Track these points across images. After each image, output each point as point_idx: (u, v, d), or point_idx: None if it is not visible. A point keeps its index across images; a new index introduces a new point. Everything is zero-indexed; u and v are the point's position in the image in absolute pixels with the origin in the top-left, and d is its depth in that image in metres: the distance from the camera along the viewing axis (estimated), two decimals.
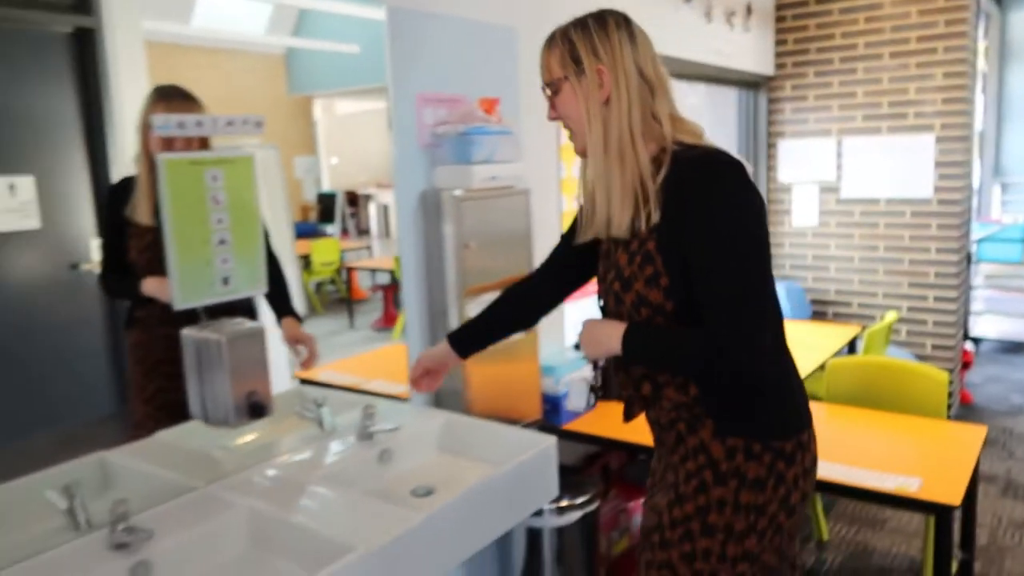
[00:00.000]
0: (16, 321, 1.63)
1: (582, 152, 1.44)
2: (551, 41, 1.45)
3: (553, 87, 1.44)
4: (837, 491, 2.18)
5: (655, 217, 1.36)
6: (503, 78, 2.56)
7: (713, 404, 1.40)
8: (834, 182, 4.54)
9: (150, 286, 1.79)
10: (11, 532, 1.49)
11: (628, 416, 1.57)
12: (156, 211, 1.65)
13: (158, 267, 1.68)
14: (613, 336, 1.42)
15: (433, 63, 2.29)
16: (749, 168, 1.38)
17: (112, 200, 1.76)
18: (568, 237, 1.67)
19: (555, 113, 1.47)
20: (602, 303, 1.53)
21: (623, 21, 1.41)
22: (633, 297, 1.40)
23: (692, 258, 1.32)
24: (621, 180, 1.38)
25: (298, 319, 2.05)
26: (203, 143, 1.72)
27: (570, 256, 1.67)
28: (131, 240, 1.78)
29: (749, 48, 4.31)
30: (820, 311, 4.68)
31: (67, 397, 1.76)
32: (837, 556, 2.98)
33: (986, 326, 5.89)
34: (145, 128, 1.68)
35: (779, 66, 4.61)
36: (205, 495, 1.69)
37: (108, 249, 1.75)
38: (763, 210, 1.38)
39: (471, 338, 1.82)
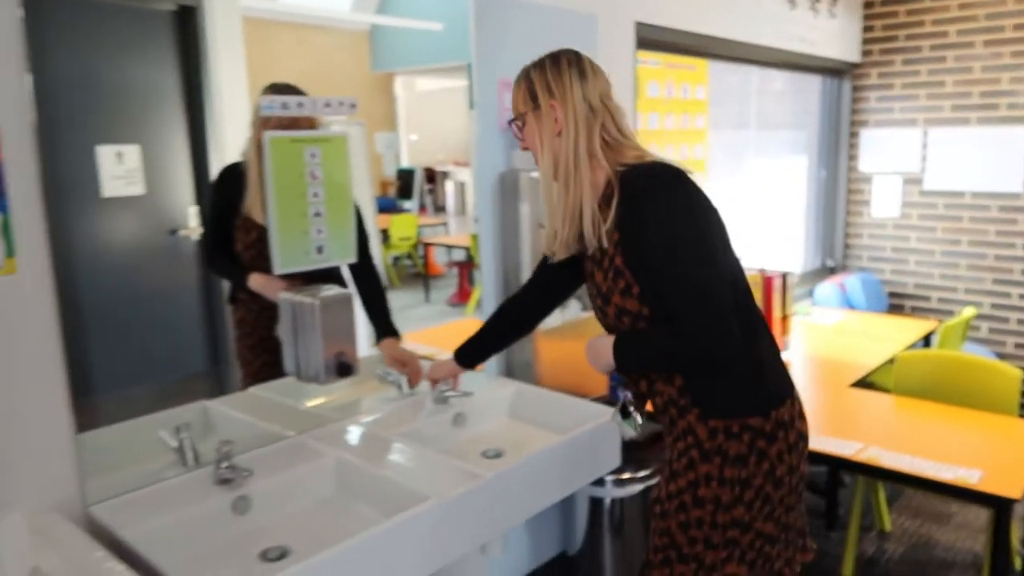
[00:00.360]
0: (119, 282, 1.78)
1: (547, 174, 1.59)
2: (517, 79, 1.62)
3: (519, 121, 1.61)
4: (897, 479, 2.20)
5: (615, 235, 1.50)
6: None
7: (695, 392, 1.53)
8: (918, 173, 4.44)
9: (257, 282, 1.91)
10: (127, 465, 1.67)
11: (624, 414, 1.70)
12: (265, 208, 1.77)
13: (262, 264, 1.81)
14: (606, 350, 1.57)
15: (515, 47, 2.38)
16: (691, 173, 1.49)
17: (217, 188, 1.86)
18: (545, 257, 1.82)
19: (523, 144, 1.63)
20: (599, 318, 1.67)
21: (574, 59, 1.56)
22: (613, 309, 1.55)
23: (651, 264, 1.46)
24: (565, 202, 1.54)
25: (398, 337, 2.16)
26: (309, 124, 1.84)
27: (551, 272, 1.83)
28: (238, 233, 1.90)
29: (834, 35, 4.24)
30: (897, 304, 4.60)
31: (163, 355, 1.91)
32: (899, 547, 2.98)
33: None
34: (258, 124, 1.80)
35: (865, 53, 4.52)
36: (297, 443, 1.85)
37: (212, 236, 1.86)
38: (709, 209, 1.49)
39: (474, 352, 1.99)
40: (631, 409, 1.68)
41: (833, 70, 4.46)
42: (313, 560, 1.35)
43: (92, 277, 1.71)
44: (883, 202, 4.59)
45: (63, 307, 1.48)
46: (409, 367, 2.14)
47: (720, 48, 3.41)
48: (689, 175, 1.48)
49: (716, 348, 1.43)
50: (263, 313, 1.92)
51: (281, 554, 1.53)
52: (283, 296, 1.82)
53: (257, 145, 1.79)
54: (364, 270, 2.08)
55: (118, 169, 1.68)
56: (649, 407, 1.69)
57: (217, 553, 1.52)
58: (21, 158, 1.39)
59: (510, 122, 1.63)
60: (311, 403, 2.04)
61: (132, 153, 1.69)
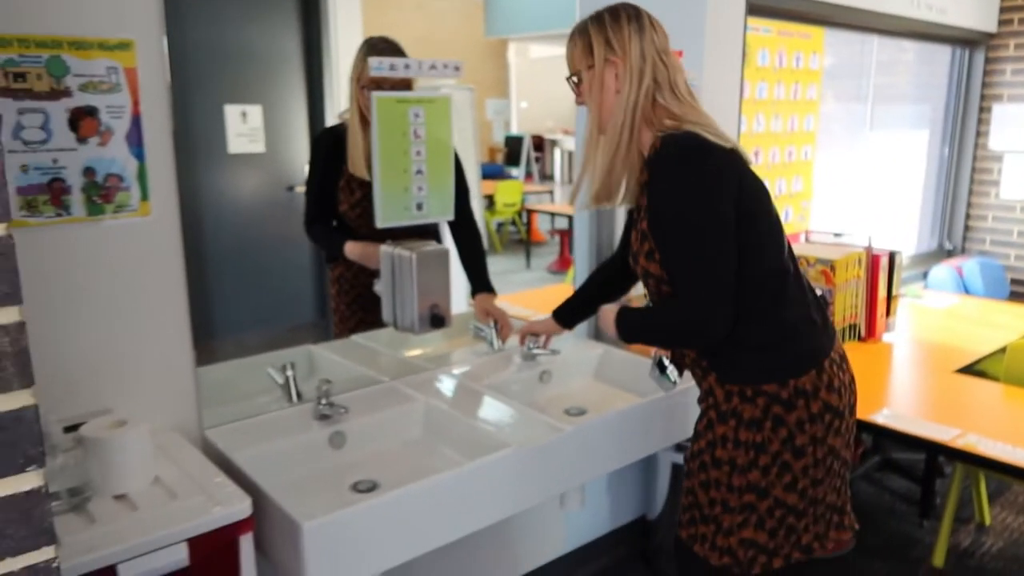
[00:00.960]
0: (241, 234, 1.92)
1: (603, 131, 1.56)
2: (572, 35, 1.58)
3: (576, 79, 1.58)
4: (996, 468, 2.12)
5: (643, 198, 1.52)
6: (689, 30, 2.59)
7: (710, 357, 1.56)
8: None
9: (353, 250, 1.99)
10: (239, 398, 1.83)
11: (660, 371, 1.76)
12: (369, 166, 1.83)
13: (367, 222, 1.88)
14: (611, 320, 1.63)
15: None
16: (720, 143, 1.45)
17: (317, 151, 1.93)
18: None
19: (580, 99, 1.60)
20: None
21: (634, 14, 1.53)
22: (641, 270, 1.57)
23: (661, 235, 1.48)
24: (607, 158, 1.54)
25: (493, 293, 2.22)
26: (406, 85, 1.91)
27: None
28: (342, 194, 1.97)
29: (968, 2, 3.98)
30: (1021, 292, 4.33)
31: (276, 304, 2.05)
32: (998, 541, 2.86)
33: None
34: (358, 80, 1.86)
35: (1003, 22, 4.21)
36: (390, 387, 1.97)
37: (315, 201, 1.93)
38: (725, 187, 1.44)
39: (572, 313, 2.03)
40: (667, 364, 1.72)
41: (965, 40, 4.19)
42: (398, 492, 1.46)
43: (216, 228, 1.85)
44: (1013, 182, 4.30)
45: (190, 254, 1.63)
46: (500, 321, 2.21)
47: (839, 16, 3.27)
48: (715, 149, 1.44)
49: (705, 326, 1.45)
50: (362, 271, 2.01)
51: (371, 487, 1.65)
52: (383, 249, 1.93)
53: (358, 104, 1.87)
54: (463, 225, 2.14)
55: (242, 127, 1.80)
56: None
57: (313, 481, 1.66)
58: (156, 113, 1.53)
59: (568, 78, 1.61)
60: (406, 352, 2.15)
61: (255, 113, 1.81)
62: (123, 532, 1.23)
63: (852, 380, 1.62)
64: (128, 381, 1.57)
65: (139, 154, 1.52)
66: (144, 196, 1.54)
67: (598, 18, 1.55)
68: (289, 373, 1.84)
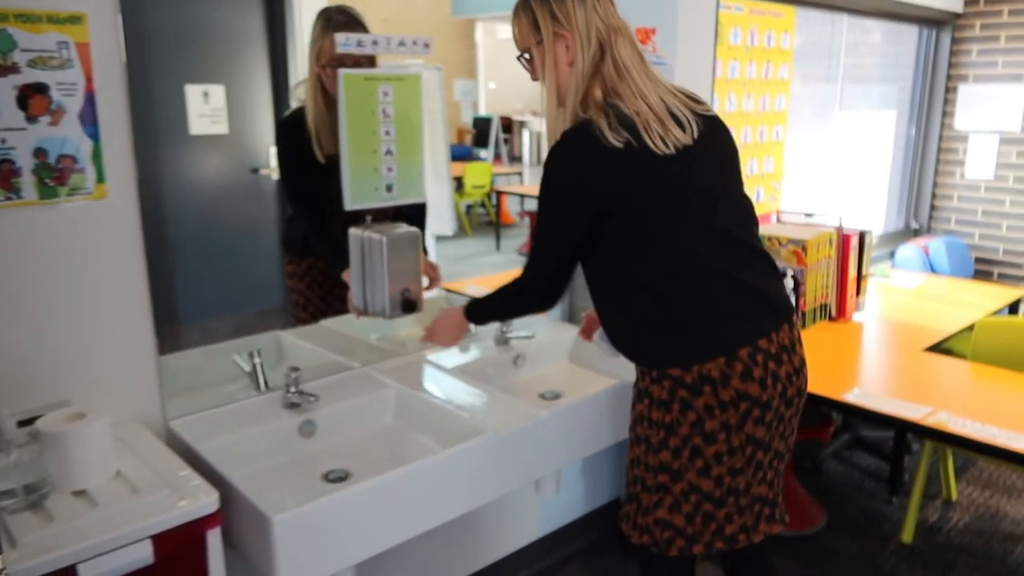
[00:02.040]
0: (203, 217, 1.86)
1: (561, 105, 1.55)
2: (515, 13, 1.57)
3: (528, 56, 1.58)
4: (965, 445, 2.15)
5: None
6: (661, 8, 2.56)
7: (614, 339, 1.61)
8: (1018, 133, 4.18)
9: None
10: (204, 387, 1.78)
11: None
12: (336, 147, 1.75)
13: (339, 207, 1.79)
14: (455, 318, 1.78)
15: None
16: (608, 140, 1.43)
17: (286, 139, 1.86)
18: None
19: (535, 76, 1.59)
20: None
21: None
22: None
23: None
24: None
25: (424, 251, 2.13)
26: (370, 62, 1.84)
27: None
28: (313, 180, 1.91)
29: None
30: (985, 271, 4.40)
31: (243, 289, 2.00)
32: (964, 517, 2.91)
33: None
34: (317, 57, 1.78)
35: (969, 2, 4.24)
36: (362, 374, 1.93)
37: (291, 185, 1.87)
38: (584, 186, 1.47)
39: None
40: None
41: (932, 20, 4.21)
42: (372, 482, 1.43)
43: (179, 211, 1.79)
44: (978, 163, 4.35)
45: (150, 238, 1.56)
46: (432, 274, 2.13)
47: None
48: (593, 148, 1.44)
49: (533, 295, 1.63)
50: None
51: (343, 477, 1.62)
52: (352, 231, 1.88)
53: (319, 82, 1.80)
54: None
55: (204, 108, 1.74)
56: None
57: (283, 471, 1.62)
58: (112, 91, 1.46)
59: (519, 57, 1.60)
60: (377, 337, 2.11)
61: (217, 93, 1.75)
62: (83, 530, 1.18)
63: (793, 372, 1.56)
64: (86, 372, 1.51)
65: (94, 134, 1.45)
66: (100, 178, 1.47)
67: None
68: (256, 360, 1.79)
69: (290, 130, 1.89)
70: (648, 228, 1.48)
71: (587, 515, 2.69)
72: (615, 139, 1.43)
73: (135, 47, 1.49)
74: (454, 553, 2.26)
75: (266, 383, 1.80)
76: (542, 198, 1.54)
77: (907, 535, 2.74)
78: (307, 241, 1.99)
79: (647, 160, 1.44)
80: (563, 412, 1.78)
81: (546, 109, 1.59)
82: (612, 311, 1.59)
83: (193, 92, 1.74)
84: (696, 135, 1.50)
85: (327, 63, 1.77)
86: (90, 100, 1.43)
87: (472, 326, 1.82)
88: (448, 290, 2.32)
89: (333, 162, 1.82)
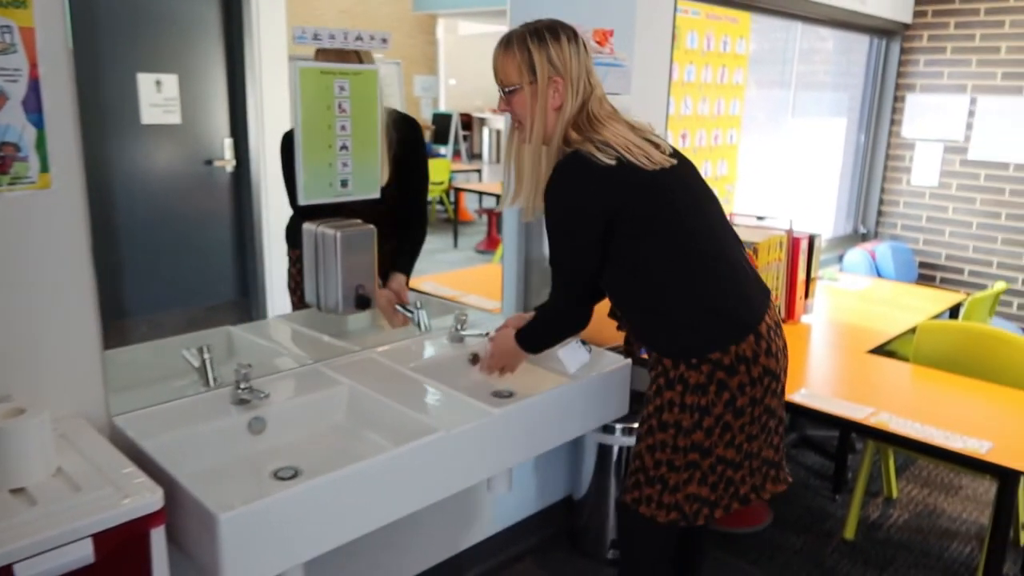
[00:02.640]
0: (154, 209, 1.82)
1: (526, 141, 1.68)
2: (508, 46, 1.64)
3: (510, 90, 1.66)
4: (905, 445, 2.21)
5: None
6: (620, 10, 2.58)
7: (647, 339, 1.72)
8: (961, 142, 4.32)
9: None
10: (152, 382, 1.74)
11: (626, 352, 2.01)
12: None
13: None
14: (511, 345, 1.86)
15: None
16: (601, 161, 1.57)
17: (284, 149, 1.88)
18: None
19: (507, 109, 1.69)
20: None
21: (573, 35, 1.64)
22: None
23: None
24: (546, 174, 1.65)
25: (407, 278, 2.17)
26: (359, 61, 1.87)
27: None
28: None
29: None
30: (928, 275, 4.54)
31: (195, 282, 1.96)
32: (903, 514, 3.00)
33: None
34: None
35: (918, 14, 4.37)
36: (314, 370, 1.91)
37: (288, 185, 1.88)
38: (591, 203, 1.60)
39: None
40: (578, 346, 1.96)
41: (882, 30, 4.33)
42: (321, 480, 1.41)
43: (129, 202, 1.75)
44: (923, 170, 4.49)
45: (99, 228, 1.53)
46: (402, 308, 2.15)
47: (765, 0, 3.32)
48: (591, 169, 1.57)
49: (569, 316, 1.75)
50: None
51: (293, 474, 1.60)
52: (306, 226, 1.86)
53: None
54: (413, 225, 2.17)
55: (157, 97, 1.70)
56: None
57: (231, 468, 1.59)
58: (58, 78, 1.42)
59: (502, 89, 1.67)
60: (330, 333, 2.09)
61: (171, 82, 1.71)
62: (20, 529, 1.15)
63: (785, 345, 1.76)
64: (27, 365, 1.47)
65: (38, 121, 1.41)
66: (44, 167, 1.43)
67: (538, 34, 1.62)
68: (206, 356, 1.76)
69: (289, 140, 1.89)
70: (659, 232, 1.62)
71: (539, 512, 2.71)
72: (606, 159, 1.57)
73: (84, 33, 1.46)
74: (405, 550, 2.25)
75: (215, 379, 1.77)
76: (552, 227, 1.66)
77: (849, 532, 2.81)
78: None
79: (639, 174, 1.59)
80: (516, 411, 1.79)
81: (516, 143, 1.70)
82: (641, 315, 1.71)
83: (145, 81, 1.70)
84: (672, 157, 1.66)
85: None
86: (34, 87, 1.39)
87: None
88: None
89: None
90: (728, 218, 1.78)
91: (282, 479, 1.58)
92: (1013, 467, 1.99)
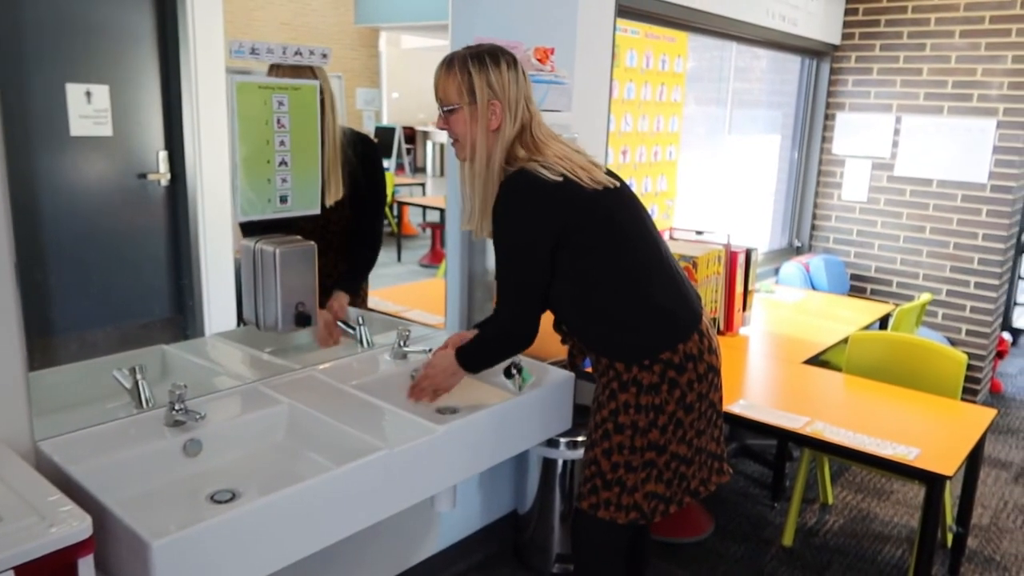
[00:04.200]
0: (85, 224, 1.75)
1: (464, 159, 1.74)
2: (449, 67, 1.70)
3: (449, 109, 1.71)
4: (839, 453, 2.28)
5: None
6: (561, 29, 2.62)
7: (598, 346, 1.77)
8: (888, 159, 4.50)
9: None
10: (80, 404, 1.68)
11: (570, 365, 2.01)
12: None
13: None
14: (449, 362, 1.84)
15: (494, 8, 2.37)
16: (547, 177, 1.64)
17: None
18: None
19: (445, 127, 1.74)
20: None
21: (512, 61, 1.71)
22: None
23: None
24: (491, 192, 1.71)
25: (352, 298, 2.17)
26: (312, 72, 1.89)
27: None
28: None
29: (817, 15, 4.25)
30: (859, 287, 4.69)
31: (127, 299, 1.90)
32: (839, 519, 3.09)
33: None
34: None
35: (846, 36, 4.54)
36: (252, 390, 1.87)
37: None
38: (540, 217, 1.66)
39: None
40: (514, 371, 1.97)
41: (813, 51, 4.48)
42: (260, 502, 1.38)
43: (56, 216, 1.69)
44: (853, 186, 4.65)
45: (22, 244, 1.47)
46: (337, 326, 2.15)
47: (701, 21, 3.41)
48: (539, 185, 1.63)
49: (514, 333, 1.75)
50: None
51: (230, 497, 1.56)
52: (245, 243, 1.83)
53: None
54: (366, 245, 2.20)
55: (87, 108, 1.65)
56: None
57: (165, 493, 1.54)
58: None
59: (442, 110, 1.73)
60: (269, 351, 2.05)
61: (101, 93, 1.66)
62: None
63: (718, 343, 1.86)
64: None
65: None
66: None
67: (479, 58, 1.67)
68: (138, 376, 1.71)
69: None
70: (604, 245, 1.69)
71: (484, 528, 2.70)
72: (553, 176, 1.64)
73: (10, 42, 1.41)
74: (350, 570, 2.22)
75: (149, 400, 1.71)
76: (500, 243, 1.70)
77: (787, 539, 2.88)
78: None
79: (583, 193, 1.67)
80: (460, 427, 1.78)
81: (464, 166, 1.74)
82: (592, 325, 1.76)
83: (74, 91, 1.64)
84: (614, 180, 1.75)
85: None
86: None
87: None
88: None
89: None
90: (660, 231, 1.86)
91: (219, 503, 1.54)
92: (939, 472, 2.07)
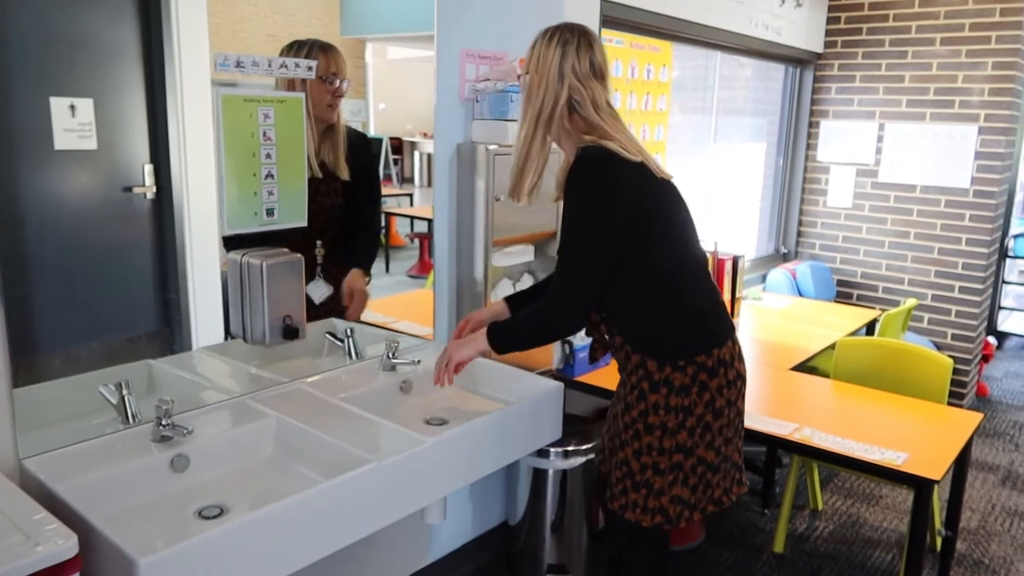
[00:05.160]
0: (70, 238, 1.74)
1: (521, 118, 1.78)
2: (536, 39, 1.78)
3: (520, 74, 1.85)
4: (828, 459, 2.29)
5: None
6: None
7: (634, 343, 1.77)
8: (872, 165, 4.54)
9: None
10: (66, 421, 1.66)
11: (592, 359, 2.02)
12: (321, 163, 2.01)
13: (315, 212, 1.95)
14: (477, 338, 1.81)
15: (479, 20, 2.38)
16: (628, 157, 1.66)
17: None
18: None
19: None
20: None
21: (564, 40, 1.71)
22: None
23: (561, 228, 1.71)
24: (517, 155, 1.77)
25: (367, 275, 2.26)
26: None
27: None
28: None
29: (800, 24, 4.29)
30: (845, 293, 4.72)
31: (113, 313, 1.88)
32: (829, 525, 3.09)
33: (1015, 322, 5.86)
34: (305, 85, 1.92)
35: (828, 44, 4.59)
36: (240, 403, 1.86)
37: None
38: (620, 193, 1.66)
39: (526, 302, 2.02)
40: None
41: (797, 60, 4.52)
42: (248, 518, 1.37)
43: (41, 231, 1.68)
44: (838, 192, 4.69)
45: (7, 258, 1.46)
46: (356, 300, 2.21)
47: (685, 31, 3.43)
48: (619, 161, 1.65)
49: (562, 319, 1.72)
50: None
51: (218, 512, 1.55)
52: (231, 256, 1.82)
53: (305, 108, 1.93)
54: (366, 227, 2.33)
55: (71, 122, 1.64)
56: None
57: (153, 509, 1.53)
58: None
59: (519, 76, 1.90)
60: (257, 364, 2.04)
61: (86, 107, 1.65)
62: None
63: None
64: None
65: None
66: None
67: (544, 33, 1.75)
68: (125, 391, 1.69)
69: None
70: (666, 237, 1.73)
71: (476, 539, 2.69)
72: (633, 157, 1.67)
73: None
74: None
75: (135, 416, 1.70)
76: (571, 217, 1.68)
77: (778, 545, 2.88)
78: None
79: (656, 180, 1.71)
80: (449, 439, 1.77)
81: (523, 129, 1.77)
82: (636, 318, 1.76)
83: (58, 105, 1.64)
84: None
85: (321, 75, 1.94)
86: None
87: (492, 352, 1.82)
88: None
89: (325, 173, 2.02)
90: None
91: (207, 518, 1.53)
92: (927, 476, 2.08)
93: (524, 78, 1.77)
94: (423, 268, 3.05)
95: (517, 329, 1.79)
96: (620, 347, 1.81)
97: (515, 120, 2.32)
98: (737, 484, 1.90)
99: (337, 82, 2.01)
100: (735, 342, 1.81)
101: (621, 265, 1.69)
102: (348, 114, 2.45)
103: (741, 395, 1.83)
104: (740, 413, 1.85)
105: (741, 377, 1.81)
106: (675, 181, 1.78)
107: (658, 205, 1.71)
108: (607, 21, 2.95)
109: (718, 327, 1.78)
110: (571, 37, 1.72)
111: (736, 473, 1.89)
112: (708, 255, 1.86)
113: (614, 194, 1.65)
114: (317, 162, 2.01)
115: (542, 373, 2.36)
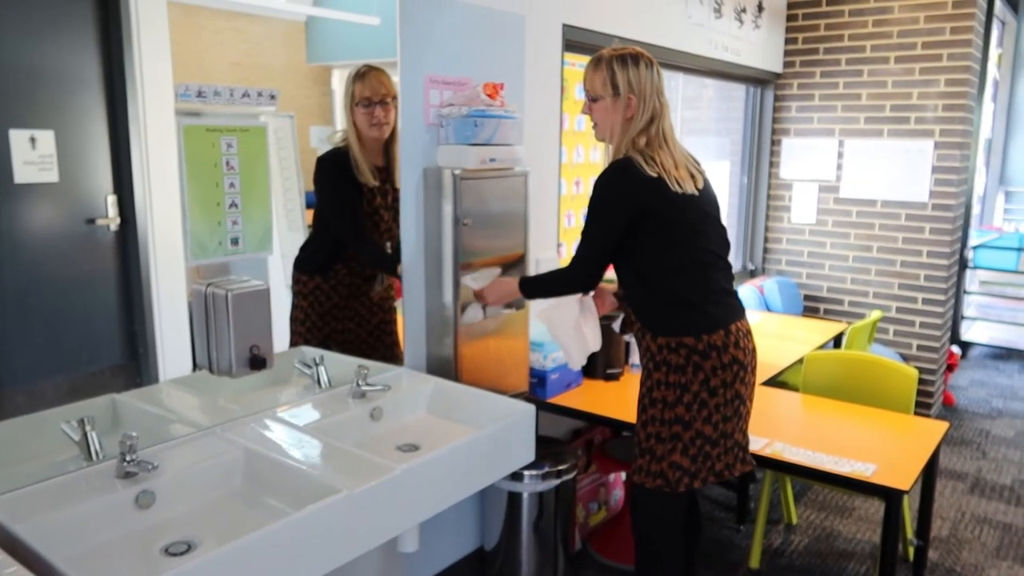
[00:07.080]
0: (32, 272, 1.71)
1: (601, 139, 2.14)
2: (597, 64, 2.07)
3: (593, 99, 2.09)
4: (799, 472, 2.31)
5: None
6: (509, 64, 2.66)
7: (642, 317, 2.10)
8: (833, 182, 4.63)
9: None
10: (29, 459, 1.62)
11: (622, 330, 2.30)
12: (374, 173, 2.23)
13: (377, 222, 2.26)
14: (509, 286, 2.31)
15: (443, 46, 2.40)
16: (645, 171, 1.98)
17: (334, 170, 2.17)
18: None
19: (590, 113, 2.12)
20: None
21: (651, 63, 2.06)
22: None
23: None
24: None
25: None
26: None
27: None
28: (363, 199, 2.24)
29: (759, 45, 4.39)
30: (812, 307, 4.79)
31: (77, 347, 1.85)
32: (803, 539, 3.11)
33: (978, 331, 5.98)
34: (351, 104, 2.17)
35: (787, 64, 4.69)
36: (207, 436, 1.83)
37: (351, 212, 2.22)
38: (628, 199, 2.00)
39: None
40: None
41: (757, 79, 4.61)
42: (218, 553, 1.35)
43: (0, 265, 1.65)
44: (802, 209, 4.77)
45: None
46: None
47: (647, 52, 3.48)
48: (635, 173, 1.97)
49: (577, 277, 2.12)
50: (340, 284, 2.22)
51: (186, 548, 1.52)
52: (195, 287, 1.80)
53: (354, 121, 2.18)
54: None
55: (31, 155, 1.62)
56: (628, 395, 2.25)
57: (118, 548, 1.50)
58: None
59: (587, 98, 2.10)
60: (225, 396, 2.01)
61: (46, 139, 1.63)
62: None
63: (755, 349, 2.14)
64: None
65: None
66: None
67: (622, 60, 2.02)
68: (87, 428, 1.66)
69: (334, 165, 2.18)
70: (668, 238, 2.01)
71: (451, 566, 2.66)
72: (650, 171, 1.98)
73: None
74: None
75: (98, 452, 1.66)
76: (593, 208, 2.06)
77: (754, 561, 2.89)
78: (323, 261, 2.18)
79: (668, 192, 1.99)
80: (420, 466, 1.76)
81: (608, 142, 2.12)
82: (644, 297, 2.08)
83: (18, 137, 1.62)
84: (699, 188, 2.06)
85: (358, 102, 2.18)
86: None
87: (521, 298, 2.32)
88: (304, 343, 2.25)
89: (368, 188, 2.23)
90: (728, 244, 2.18)
91: (174, 555, 1.50)
92: (896, 487, 2.10)
93: (613, 99, 2.02)
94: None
95: (542, 281, 2.24)
96: (640, 332, 2.12)
97: (481, 144, 2.34)
98: (741, 462, 2.11)
99: (374, 107, 2.21)
100: (730, 332, 2.03)
101: (633, 254, 2.04)
102: (316, 141, 2.45)
103: (740, 379, 2.04)
104: (740, 395, 2.05)
105: (738, 362, 2.03)
106: (697, 193, 2.04)
107: (663, 212, 1.99)
108: (569, 45, 2.98)
109: (706, 318, 2.02)
110: (650, 60, 2.04)
111: (740, 452, 2.10)
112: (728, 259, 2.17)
113: (619, 199, 2.01)
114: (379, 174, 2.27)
115: (512, 396, 2.35)
